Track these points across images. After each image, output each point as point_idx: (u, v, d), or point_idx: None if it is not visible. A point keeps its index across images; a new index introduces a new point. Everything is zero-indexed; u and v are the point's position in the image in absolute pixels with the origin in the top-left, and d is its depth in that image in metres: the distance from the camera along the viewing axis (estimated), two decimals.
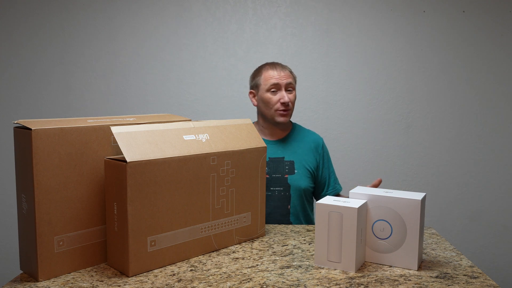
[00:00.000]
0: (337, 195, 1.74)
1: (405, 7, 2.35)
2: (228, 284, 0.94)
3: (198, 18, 2.37)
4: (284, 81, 1.60)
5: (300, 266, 1.04)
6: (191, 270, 1.01)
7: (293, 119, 2.18)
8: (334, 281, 0.96)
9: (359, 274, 0.99)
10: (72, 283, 0.94)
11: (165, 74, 2.39)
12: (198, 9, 2.36)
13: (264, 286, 0.93)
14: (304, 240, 1.23)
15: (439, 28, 2.36)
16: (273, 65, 1.64)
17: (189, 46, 2.38)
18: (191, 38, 2.38)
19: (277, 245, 1.18)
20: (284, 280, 0.96)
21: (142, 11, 2.37)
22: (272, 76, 1.61)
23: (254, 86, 1.66)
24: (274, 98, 1.60)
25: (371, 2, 2.35)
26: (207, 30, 2.37)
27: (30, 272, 0.98)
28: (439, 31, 2.36)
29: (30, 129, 0.91)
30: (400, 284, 0.94)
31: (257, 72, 1.67)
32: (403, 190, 2.35)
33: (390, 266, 1.04)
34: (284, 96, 1.59)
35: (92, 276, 0.98)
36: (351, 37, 2.37)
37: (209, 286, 0.93)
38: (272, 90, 1.60)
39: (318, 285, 0.94)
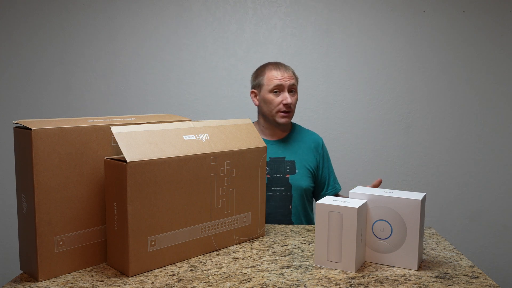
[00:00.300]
0: (337, 194, 1.74)
1: (405, 7, 2.35)
2: (228, 284, 0.94)
3: (198, 18, 2.37)
4: (287, 82, 1.60)
5: (300, 266, 1.04)
6: (191, 270, 1.01)
7: (293, 119, 2.18)
8: (334, 281, 0.96)
9: (359, 274, 0.99)
10: (72, 283, 0.94)
11: (165, 74, 2.39)
12: (198, 9, 2.36)
13: (264, 286, 0.93)
14: (304, 240, 1.23)
15: (439, 28, 2.36)
16: (276, 65, 1.64)
17: (189, 46, 2.38)
18: (191, 38, 2.38)
19: (277, 245, 1.18)
20: (284, 280, 0.96)
21: (142, 11, 2.37)
22: (275, 77, 1.60)
23: (256, 86, 1.66)
24: (277, 99, 1.60)
25: (371, 2, 2.35)
26: (207, 30, 2.37)
27: (30, 272, 0.98)
28: (439, 31, 2.36)
29: (30, 129, 0.91)
30: (400, 284, 0.94)
31: (260, 72, 1.66)
32: (403, 190, 2.35)
33: (390, 266, 1.04)
34: (286, 97, 1.59)
35: (92, 276, 0.98)
36: (351, 37, 2.37)
37: (209, 286, 0.93)
38: (275, 91, 1.60)
39: (318, 285, 0.94)
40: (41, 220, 0.93)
